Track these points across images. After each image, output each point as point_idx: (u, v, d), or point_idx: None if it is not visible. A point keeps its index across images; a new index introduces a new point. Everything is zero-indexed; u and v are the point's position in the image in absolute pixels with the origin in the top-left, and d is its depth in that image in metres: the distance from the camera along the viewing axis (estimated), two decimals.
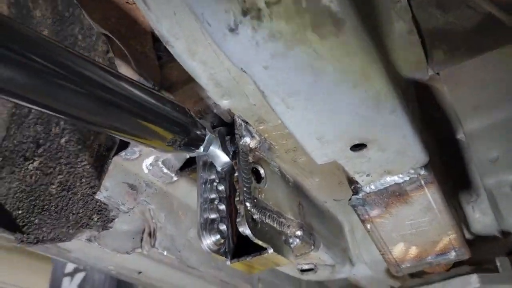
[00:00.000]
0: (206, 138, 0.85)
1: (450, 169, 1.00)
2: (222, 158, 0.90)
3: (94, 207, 0.98)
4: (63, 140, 1.16)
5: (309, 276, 1.20)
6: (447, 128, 0.96)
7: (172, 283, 1.32)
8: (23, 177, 1.16)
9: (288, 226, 0.95)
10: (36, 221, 1.04)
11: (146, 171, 1.04)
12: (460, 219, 1.00)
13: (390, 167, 0.76)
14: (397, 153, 0.73)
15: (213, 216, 0.89)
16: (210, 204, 0.89)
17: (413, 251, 0.91)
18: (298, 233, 0.97)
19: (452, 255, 0.91)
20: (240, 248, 0.90)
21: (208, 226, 0.87)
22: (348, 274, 1.26)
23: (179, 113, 0.77)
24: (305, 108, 0.62)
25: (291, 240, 0.95)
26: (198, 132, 0.82)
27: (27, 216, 1.06)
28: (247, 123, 0.86)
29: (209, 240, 0.86)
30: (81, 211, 0.99)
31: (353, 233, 1.20)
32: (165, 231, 1.09)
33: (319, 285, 1.69)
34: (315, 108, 0.62)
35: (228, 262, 0.90)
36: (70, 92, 0.60)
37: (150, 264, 1.21)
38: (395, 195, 0.83)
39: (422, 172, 0.79)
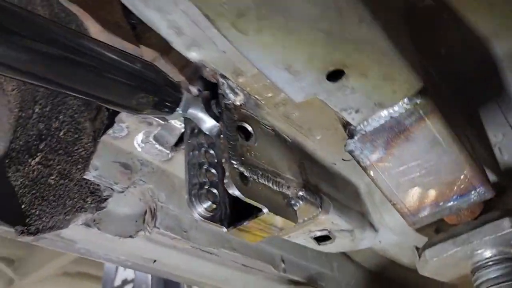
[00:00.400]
0: (183, 98, 0.79)
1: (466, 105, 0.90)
2: (207, 121, 0.84)
3: (88, 189, 0.95)
4: (61, 133, 1.15)
5: (329, 247, 1.11)
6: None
7: (190, 270, 1.27)
8: (27, 173, 1.16)
9: (288, 187, 0.88)
10: (37, 212, 1.02)
11: (139, 149, 1.00)
12: (485, 159, 0.88)
13: (379, 97, 0.68)
14: (383, 79, 0.65)
15: (203, 180, 0.83)
16: (199, 170, 0.84)
17: (427, 196, 0.80)
18: (300, 193, 0.89)
19: (473, 195, 0.80)
20: (237, 214, 0.83)
21: (198, 192, 0.81)
22: (373, 242, 1.16)
23: (148, 71, 0.73)
24: (259, 31, 0.55)
25: (293, 202, 0.88)
26: (172, 91, 0.77)
27: (29, 209, 1.05)
28: (225, 77, 0.80)
29: (200, 208, 0.80)
30: (76, 196, 0.96)
31: (372, 196, 1.10)
32: (167, 211, 1.04)
33: (354, 265, 1.59)
34: (270, 30, 0.55)
35: (225, 229, 0.84)
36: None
37: (163, 250, 1.17)
38: (394, 132, 0.74)
39: (419, 100, 0.70)
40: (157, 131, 0.97)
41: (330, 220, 0.98)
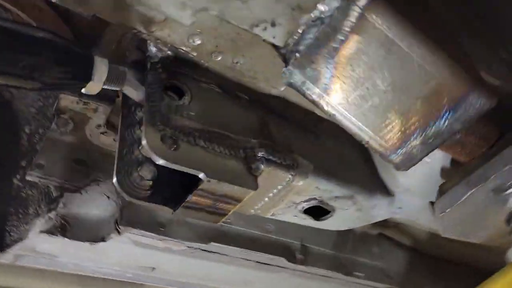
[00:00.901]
0: (96, 66, 0.68)
1: None
2: (138, 89, 0.72)
3: (41, 193, 0.86)
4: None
5: (333, 223, 0.92)
6: None
7: (196, 275, 1.14)
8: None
9: (244, 149, 0.73)
10: (8, 228, 0.96)
11: (94, 140, 0.90)
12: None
13: None
14: None
15: (137, 157, 0.70)
16: (132, 147, 0.71)
17: (408, 120, 0.60)
18: (260, 154, 0.73)
19: (467, 107, 0.58)
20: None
21: (128, 170, 0.69)
22: (391, 210, 0.94)
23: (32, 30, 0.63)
24: None
25: (252, 166, 0.72)
26: (75, 59, 0.66)
27: (5, 228, 1.00)
28: (140, 32, 0.68)
29: (133, 188, 0.67)
30: (34, 202, 0.88)
31: None
32: (137, 207, 0.92)
33: (403, 249, 1.36)
34: None
35: (171, 211, 0.70)
36: None
37: (156, 255, 1.05)
38: (334, 44, 0.56)
39: None
40: (106, 116, 0.87)
41: (313, 185, 0.80)
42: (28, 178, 0.83)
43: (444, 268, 1.30)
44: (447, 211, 0.69)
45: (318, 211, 0.89)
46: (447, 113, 0.58)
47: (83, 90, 0.71)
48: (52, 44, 0.64)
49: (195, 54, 0.72)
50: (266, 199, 0.80)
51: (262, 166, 0.73)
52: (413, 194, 0.91)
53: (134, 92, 0.73)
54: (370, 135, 0.62)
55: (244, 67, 0.73)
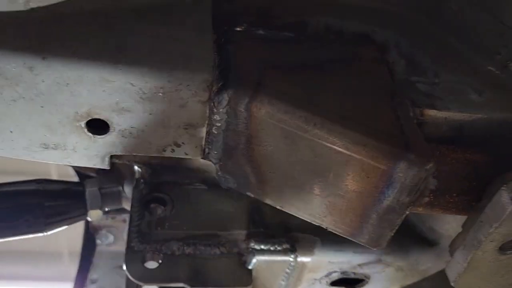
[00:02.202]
0: (87, 198, 0.76)
1: None
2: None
3: None
4: None
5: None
6: None
7: None
8: None
9: (235, 243, 0.72)
10: None
11: None
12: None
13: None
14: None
15: None
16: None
17: (350, 201, 0.52)
18: (251, 245, 0.71)
19: (402, 178, 0.47)
20: None
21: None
22: (441, 260, 0.81)
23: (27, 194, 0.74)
24: None
25: (243, 260, 0.71)
26: (64, 202, 0.75)
27: None
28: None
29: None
30: None
31: None
32: None
33: None
34: None
35: None
36: None
37: None
38: (242, 145, 0.53)
39: (220, 97, 0.49)
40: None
41: (324, 260, 0.74)
42: None
43: None
44: (457, 279, 0.58)
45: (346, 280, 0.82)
46: (386, 189, 0.50)
47: (88, 219, 0.80)
48: (42, 192, 0.74)
49: (167, 163, 0.76)
50: (283, 283, 0.77)
51: (255, 259, 0.71)
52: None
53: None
54: (321, 221, 0.56)
55: None
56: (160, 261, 0.68)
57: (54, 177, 1.55)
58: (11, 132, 0.52)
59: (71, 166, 0.96)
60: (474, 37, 0.62)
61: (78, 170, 0.98)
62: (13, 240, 0.74)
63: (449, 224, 0.78)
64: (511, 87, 0.58)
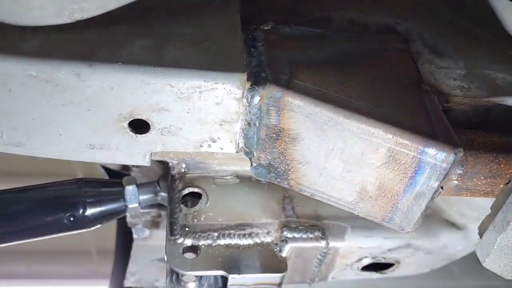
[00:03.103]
0: (126, 195, 0.80)
1: None
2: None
3: None
4: None
5: (407, 271, 0.85)
6: None
7: None
8: None
9: (267, 233, 0.75)
10: None
11: None
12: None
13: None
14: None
15: None
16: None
17: (381, 187, 0.54)
18: (284, 234, 0.74)
19: (432, 163, 0.49)
20: None
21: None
22: (470, 243, 0.82)
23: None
24: None
25: (277, 249, 0.74)
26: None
27: None
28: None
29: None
30: None
31: None
32: None
33: None
34: None
35: None
36: None
37: None
38: (273, 139, 0.55)
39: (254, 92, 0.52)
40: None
41: (355, 245, 0.76)
42: (125, 286, 0.99)
43: None
44: (487, 260, 0.59)
45: (376, 265, 0.84)
46: (415, 174, 0.52)
47: (127, 215, 0.84)
48: (84, 191, 0.78)
49: (201, 157, 0.79)
50: (315, 269, 0.80)
51: (288, 246, 0.74)
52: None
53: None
54: (353, 208, 0.59)
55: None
56: (199, 252, 0.72)
57: (79, 175, 1.62)
58: (60, 135, 0.56)
59: (102, 165, 1.01)
60: (495, 25, 0.63)
61: (112, 169, 1.02)
62: (43, 240, 0.79)
63: (477, 207, 0.80)
64: None
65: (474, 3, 0.65)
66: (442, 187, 0.54)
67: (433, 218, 0.83)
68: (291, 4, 0.66)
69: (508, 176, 0.56)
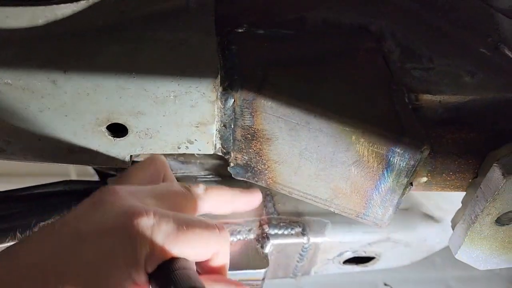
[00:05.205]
0: None
1: None
2: None
3: None
4: None
5: (388, 264, 0.87)
6: None
7: None
8: None
9: (250, 230, 0.77)
10: None
11: None
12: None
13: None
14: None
15: None
16: None
17: (354, 184, 0.56)
18: (266, 230, 0.76)
19: (399, 161, 0.51)
20: None
21: None
22: (446, 236, 0.84)
23: None
24: None
25: (259, 245, 0.75)
26: None
27: None
28: None
29: None
30: None
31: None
32: None
33: None
34: None
35: None
36: None
37: None
38: (249, 139, 0.57)
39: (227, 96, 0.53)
40: None
41: (335, 240, 0.78)
42: None
43: None
44: (458, 252, 0.62)
45: (357, 258, 0.86)
46: (385, 172, 0.54)
47: None
48: (69, 192, 0.79)
49: (182, 158, 0.80)
50: (297, 264, 0.82)
51: (270, 243, 0.76)
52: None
53: None
54: (328, 205, 0.61)
55: None
56: None
57: (73, 176, 1.62)
58: (39, 140, 0.57)
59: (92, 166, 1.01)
60: (465, 22, 0.65)
61: (99, 169, 1.03)
62: None
63: (453, 201, 0.81)
64: (502, 67, 0.61)
65: (444, 0, 0.67)
66: (411, 183, 0.56)
67: (412, 212, 0.85)
68: (266, 5, 0.67)
69: (476, 170, 0.58)
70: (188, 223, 0.52)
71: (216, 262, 0.56)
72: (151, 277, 0.49)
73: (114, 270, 0.46)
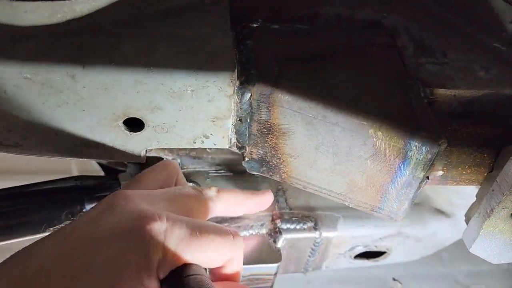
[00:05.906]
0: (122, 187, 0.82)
1: None
2: None
3: None
4: None
5: (398, 259, 0.87)
6: None
7: None
8: None
9: (262, 225, 0.77)
10: None
11: None
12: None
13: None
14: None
15: None
16: None
17: (370, 178, 0.56)
18: (278, 225, 0.76)
19: (416, 154, 0.51)
20: None
21: None
22: (457, 230, 0.85)
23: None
24: None
25: (272, 240, 0.76)
26: None
27: None
28: None
29: None
30: None
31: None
32: None
33: None
34: None
35: None
36: None
37: None
38: (265, 134, 0.57)
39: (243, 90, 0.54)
40: None
41: (347, 235, 0.78)
42: None
43: None
44: (473, 246, 0.62)
45: (366, 253, 0.87)
46: (402, 165, 0.54)
47: None
48: (80, 188, 0.80)
49: (194, 153, 0.80)
50: (309, 258, 0.82)
51: (282, 237, 0.76)
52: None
53: None
54: (343, 199, 0.61)
55: None
56: None
57: (75, 173, 1.62)
58: (56, 135, 0.57)
59: (100, 162, 1.02)
60: (480, 17, 0.65)
61: (106, 165, 1.04)
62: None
63: (465, 195, 0.82)
64: None
65: None
66: (428, 177, 0.56)
67: (423, 207, 0.86)
68: (280, 0, 0.67)
69: (492, 164, 0.58)
70: (201, 229, 0.51)
71: (229, 269, 0.55)
72: (163, 283, 0.48)
73: (126, 275, 0.45)
